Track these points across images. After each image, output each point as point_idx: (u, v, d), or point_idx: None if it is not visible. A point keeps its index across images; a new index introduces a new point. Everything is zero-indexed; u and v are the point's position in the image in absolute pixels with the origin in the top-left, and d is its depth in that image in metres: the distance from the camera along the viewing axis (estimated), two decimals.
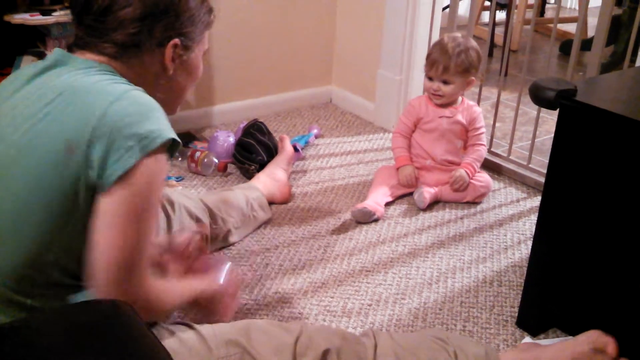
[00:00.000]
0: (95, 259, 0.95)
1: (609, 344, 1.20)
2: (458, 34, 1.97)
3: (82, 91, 0.96)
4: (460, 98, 2.00)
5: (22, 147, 0.95)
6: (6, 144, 0.96)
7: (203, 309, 1.26)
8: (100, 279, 0.95)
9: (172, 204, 1.49)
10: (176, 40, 1.06)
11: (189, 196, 1.60)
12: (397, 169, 2.00)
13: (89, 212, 0.96)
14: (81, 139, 0.93)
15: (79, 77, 0.99)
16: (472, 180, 1.96)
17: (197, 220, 1.55)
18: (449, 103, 1.97)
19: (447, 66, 1.89)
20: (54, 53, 1.04)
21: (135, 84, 1.04)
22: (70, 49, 1.06)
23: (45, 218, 0.94)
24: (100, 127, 0.93)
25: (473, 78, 1.95)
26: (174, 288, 1.11)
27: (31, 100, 0.98)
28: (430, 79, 1.95)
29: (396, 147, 2.03)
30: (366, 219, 1.85)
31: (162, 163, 0.99)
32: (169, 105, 1.15)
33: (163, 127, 0.98)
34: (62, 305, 0.98)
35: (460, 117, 1.97)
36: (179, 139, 1.01)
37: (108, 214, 0.95)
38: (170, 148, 1.01)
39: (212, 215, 1.61)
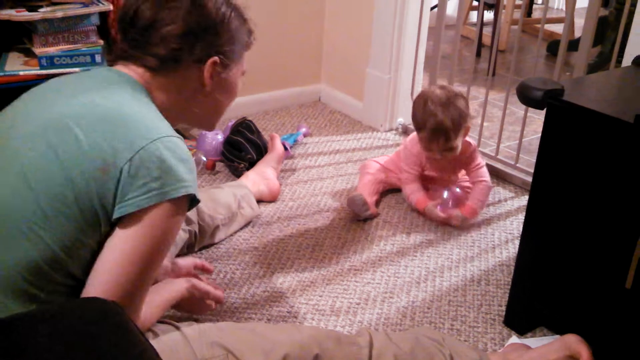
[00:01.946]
0: (93, 285, 0.96)
1: (583, 352, 1.21)
2: (437, 90, 1.81)
3: (131, 119, 0.99)
4: None
5: (66, 155, 0.96)
6: (52, 149, 0.97)
7: (185, 308, 1.30)
8: None
9: None
10: (215, 58, 1.10)
11: None
12: (423, 211, 1.89)
13: (104, 239, 0.98)
14: (116, 164, 0.95)
15: (126, 101, 1.01)
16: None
17: (185, 218, 1.55)
18: None
19: (448, 135, 1.77)
20: (102, 70, 1.08)
21: (175, 98, 1.09)
22: (114, 60, 1.09)
23: (69, 225, 0.95)
24: (135, 160, 0.95)
25: (469, 125, 1.84)
26: (153, 308, 1.12)
27: (79, 112, 0.99)
28: (430, 150, 1.82)
29: (410, 193, 1.91)
30: (361, 209, 1.83)
31: (180, 215, 1.01)
32: (206, 120, 1.20)
33: (190, 181, 1.00)
34: (52, 305, 0.97)
35: (456, 164, 1.92)
36: (199, 199, 1.04)
37: (115, 249, 0.97)
38: (189, 204, 1.03)
39: (199, 212, 1.61)
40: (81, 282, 0.99)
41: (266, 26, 2.50)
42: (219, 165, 2.12)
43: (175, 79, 1.09)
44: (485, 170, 1.93)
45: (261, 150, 2.08)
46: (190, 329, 1.09)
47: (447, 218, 1.85)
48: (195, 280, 1.28)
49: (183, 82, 1.10)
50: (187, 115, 1.16)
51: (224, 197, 1.71)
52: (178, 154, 0.99)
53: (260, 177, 1.93)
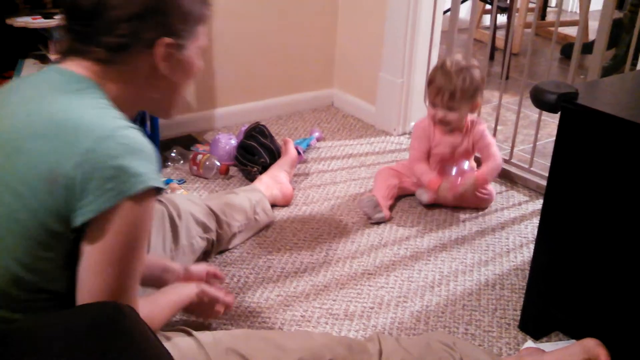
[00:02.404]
0: (82, 292, 0.94)
1: (602, 356, 1.20)
2: (459, 56, 1.90)
3: (75, 121, 0.93)
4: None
5: (8, 169, 0.92)
6: None
7: (195, 313, 1.30)
8: None
9: (178, 210, 1.50)
10: (167, 39, 1.02)
11: (194, 201, 1.60)
12: (436, 191, 1.90)
13: (72, 248, 0.94)
14: (65, 171, 0.90)
15: (72, 103, 0.96)
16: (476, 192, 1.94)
17: (203, 225, 1.56)
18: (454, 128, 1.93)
19: (453, 93, 1.83)
20: (49, 71, 1.02)
21: (130, 87, 1.03)
22: (63, 56, 1.03)
23: (24, 243, 0.92)
24: (84, 163, 0.90)
25: (479, 102, 1.89)
26: (160, 309, 1.11)
27: (21, 124, 0.95)
28: (434, 105, 1.89)
29: (422, 174, 1.93)
30: (372, 211, 1.84)
31: (145, 208, 0.95)
32: (165, 106, 1.12)
33: (148, 173, 0.93)
34: (65, 309, 0.98)
35: (466, 143, 1.94)
36: (163, 186, 0.98)
37: (88, 259, 0.93)
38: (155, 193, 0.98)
39: (217, 220, 1.61)
40: (58, 294, 0.96)
41: (279, 31, 2.52)
42: (233, 170, 2.13)
43: (128, 67, 1.02)
44: (496, 149, 1.96)
45: (274, 154, 2.09)
46: (203, 335, 1.10)
47: (457, 193, 1.88)
48: (204, 286, 1.28)
49: (136, 70, 1.02)
50: (144, 102, 1.09)
51: (240, 203, 1.72)
52: (131, 147, 0.93)
53: (273, 181, 1.93)
